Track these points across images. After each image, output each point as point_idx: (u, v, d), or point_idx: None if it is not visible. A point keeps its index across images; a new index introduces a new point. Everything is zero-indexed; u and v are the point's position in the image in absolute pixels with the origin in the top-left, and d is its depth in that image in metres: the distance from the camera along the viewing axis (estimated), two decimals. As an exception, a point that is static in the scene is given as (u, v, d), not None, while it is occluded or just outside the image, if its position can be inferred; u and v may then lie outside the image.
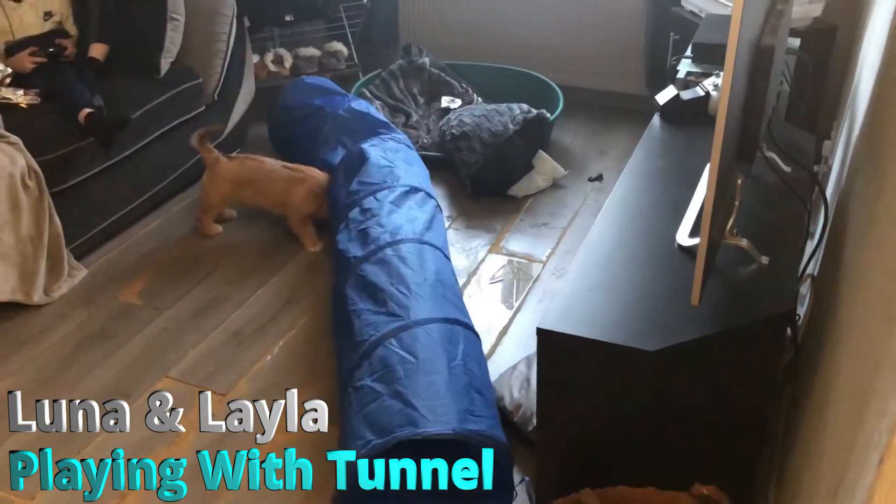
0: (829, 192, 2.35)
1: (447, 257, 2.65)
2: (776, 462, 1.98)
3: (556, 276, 2.87)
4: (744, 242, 1.73)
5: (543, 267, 2.95)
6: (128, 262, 2.99)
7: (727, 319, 1.60)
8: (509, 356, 2.48)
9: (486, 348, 2.53)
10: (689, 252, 1.80)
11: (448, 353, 2.07)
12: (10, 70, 2.91)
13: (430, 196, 2.90)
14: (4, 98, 2.82)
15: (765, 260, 1.73)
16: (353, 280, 2.42)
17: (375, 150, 2.99)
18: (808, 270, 2.24)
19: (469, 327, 2.26)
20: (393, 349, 2.07)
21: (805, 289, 2.24)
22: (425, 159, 3.52)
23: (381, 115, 3.34)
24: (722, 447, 1.69)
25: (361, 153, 2.96)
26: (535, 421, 2.13)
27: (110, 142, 2.84)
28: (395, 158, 2.98)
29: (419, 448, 1.73)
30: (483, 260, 2.99)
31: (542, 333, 1.63)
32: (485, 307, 2.75)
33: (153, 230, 3.18)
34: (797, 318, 2.07)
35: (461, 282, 2.87)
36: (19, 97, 2.84)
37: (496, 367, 2.39)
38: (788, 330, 1.90)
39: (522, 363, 2.35)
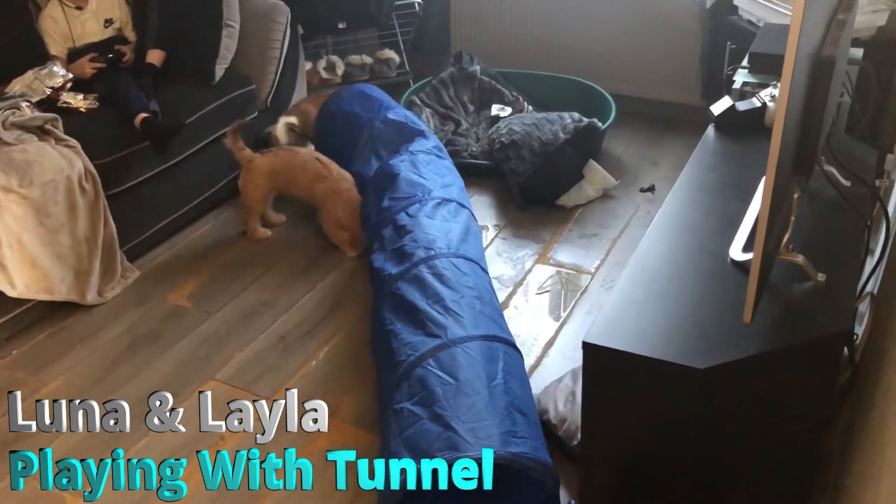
0: (891, 207, 2.27)
1: (484, 270, 2.58)
2: (829, 489, 1.90)
3: (605, 289, 2.83)
4: (799, 259, 1.68)
5: (592, 278, 2.90)
6: (178, 266, 3.04)
7: (781, 338, 1.54)
8: (555, 369, 2.45)
9: (531, 360, 2.50)
10: (743, 268, 1.75)
11: (488, 372, 2.02)
12: (71, 75, 2.99)
13: (462, 206, 2.83)
14: (65, 102, 2.90)
15: (821, 277, 1.67)
16: (389, 299, 2.39)
17: (405, 164, 2.93)
18: (868, 289, 2.16)
19: (509, 343, 2.21)
20: (431, 370, 2.02)
21: (864, 307, 2.16)
22: (474, 167, 3.53)
23: (418, 122, 3.28)
24: (773, 471, 1.64)
25: (391, 169, 2.91)
26: (579, 436, 2.09)
27: (164, 146, 2.89)
28: (425, 171, 2.92)
29: None
30: (530, 270, 2.96)
31: (587, 347, 1.60)
32: (531, 318, 2.72)
33: (204, 234, 3.22)
34: (855, 337, 2.00)
35: (507, 292, 2.84)
36: (79, 101, 2.91)
37: (541, 380, 2.36)
38: (845, 349, 1.83)
39: (568, 376, 2.31)
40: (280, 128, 3.35)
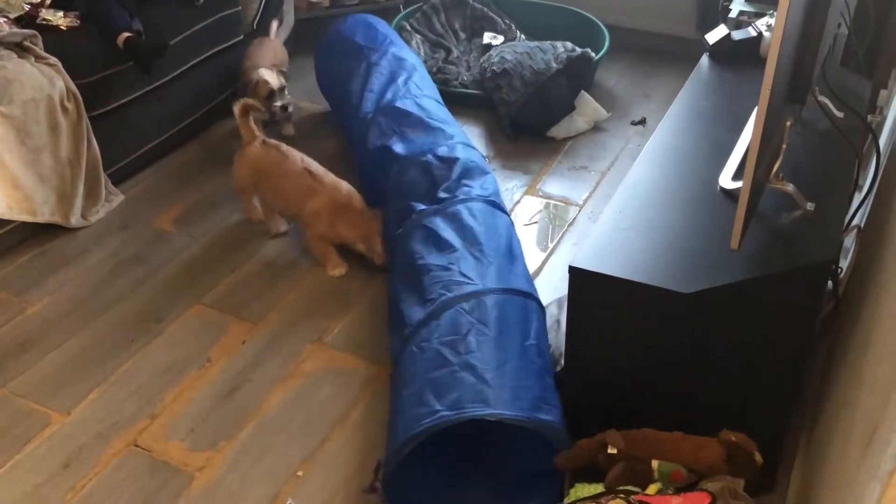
0: (882, 142, 2.25)
1: (513, 224, 2.47)
2: (808, 415, 1.94)
3: (593, 221, 2.82)
4: (789, 187, 1.67)
5: (580, 211, 2.89)
6: (164, 190, 3.00)
7: (767, 265, 1.55)
8: (541, 297, 2.45)
9: (517, 289, 2.51)
10: (732, 195, 1.75)
11: (522, 330, 1.94)
12: (50, -9, 2.89)
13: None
14: (44, 19, 2.81)
15: (810, 206, 1.66)
16: (420, 232, 2.28)
17: (419, 110, 2.80)
18: (854, 222, 2.16)
19: (540, 304, 2.13)
20: (465, 315, 1.93)
21: (850, 241, 2.17)
22: (464, 97, 3.47)
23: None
24: (753, 396, 1.66)
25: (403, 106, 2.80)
26: (562, 362, 2.11)
27: (148, 67, 2.83)
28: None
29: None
30: (519, 202, 2.95)
31: (574, 272, 1.60)
32: (518, 248, 2.71)
33: (189, 159, 3.18)
34: (839, 270, 2.01)
35: (495, 222, 2.83)
36: (59, 19, 2.82)
37: (527, 308, 2.36)
38: (830, 282, 1.84)
39: (553, 305, 2.32)
40: (266, 72, 3.03)
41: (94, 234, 2.78)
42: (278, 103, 3.04)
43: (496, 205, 2.44)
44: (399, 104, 2.82)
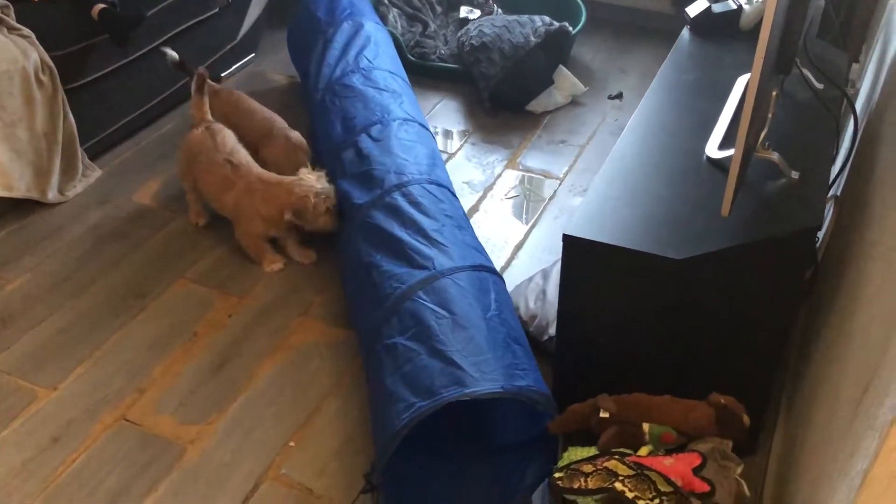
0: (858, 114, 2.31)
1: (454, 195, 2.43)
2: (788, 379, 2.00)
3: (573, 194, 2.85)
4: (775, 156, 1.71)
5: (560, 184, 2.92)
6: (142, 165, 2.97)
7: (755, 232, 1.58)
8: (525, 269, 2.49)
9: (501, 262, 2.54)
10: (719, 165, 1.78)
11: (482, 303, 1.92)
12: (21, -38, 2.82)
13: (425, 127, 2.69)
14: (16, -10, 2.75)
15: (795, 175, 1.71)
16: (362, 229, 2.24)
17: (359, 79, 2.78)
18: (831, 192, 2.21)
19: (496, 272, 2.12)
20: (423, 303, 1.90)
21: (827, 209, 2.22)
22: (443, 71, 3.47)
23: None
24: (740, 360, 1.70)
25: (349, 80, 2.77)
26: (550, 331, 2.15)
27: (124, 39, 2.78)
28: (382, 86, 2.77)
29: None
30: (500, 175, 2.97)
31: (567, 240, 1.62)
32: (501, 222, 2.74)
33: (167, 133, 3.14)
34: (816, 240, 2.07)
35: (477, 196, 2.85)
36: (31, -11, 2.76)
37: (512, 280, 2.39)
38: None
39: (538, 275, 2.36)
40: (314, 180, 2.42)
41: (72, 209, 2.74)
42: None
43: (433, 181, 2.35)
44: (345, 80, 2.78)
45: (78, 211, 2.74)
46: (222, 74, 3.43)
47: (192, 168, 2.53)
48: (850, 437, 1.12)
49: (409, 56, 3.45)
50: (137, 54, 2.92)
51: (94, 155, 2.91)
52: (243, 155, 2.50)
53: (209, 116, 2.58)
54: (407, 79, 2.99)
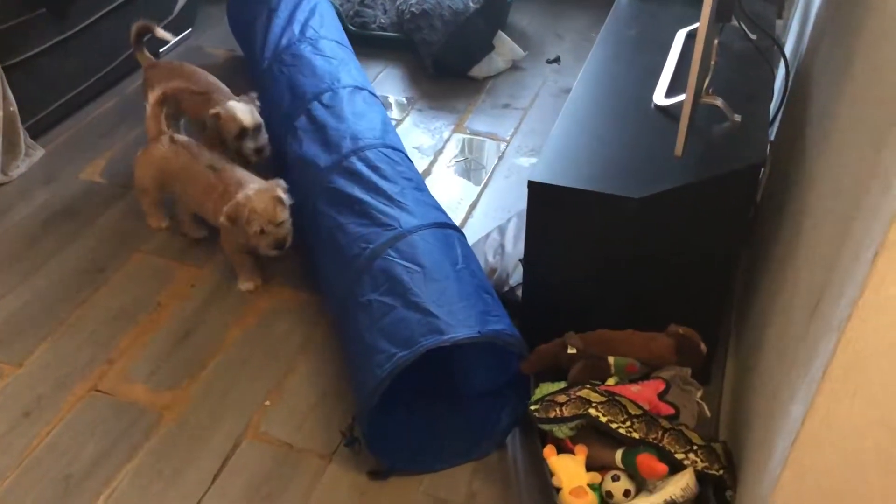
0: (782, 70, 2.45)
1: (409, 158, 2.46)
2: (735, 313, 2.13)
3: (521, 154, 2.94)
4: (719, 101, 1.82)
5: (508, 145, 3.00)
6: (86, 142, 2.93)
7: (705, 170, 1.69)
8: (480, 227, 2.56)
9: (457, 222, 2.59)
10: (666, 112, 1.88)
11: (449, 257, 1.98)
12: (-54, -64, 2.73)
13: (374, 95, 2.72)
14: (-57, -35, 2.66)
15: (737, 118, 1.82)
16: (325, 195, 2.24)
17: (308, 49, 2.80)
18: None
19: (458, 229, 2.17)
20: (393, 260, 1.94)
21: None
22: (383, 40, 3.51)
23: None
24: (693, 292, 1.82)
25: (298, 50, 2.79)
26: (510, 282, 2.23)
27: (63, 11, 2.72)
28: (330, 55, 2.80)
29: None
30: (448, 139, 3.03)
31: (532, 186, 1.70)
32: (453, 184, 2.80)
33: (110, 109, 3.10)
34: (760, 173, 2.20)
35: (428, 160, 2.91)
36: (-40, -36, 2.68)
37: (469, 238, 2.45)
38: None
39: (495, 231, 2.44)
40: (237, 107, 2.48)
41: (18, 189, 2.70)
42: (252, 145, 2.50)
43: (388, 145, 2.38)
44: (293, 49, 2.80)
45: (23, 191, 2.69)
46: (160, 50, 3.39)
47: (171, 184, 2.40)
48: (808, 342, 1.23)
49: (350, 26, 3.47)
50: (73, 31, 2.87)
51: (35, 134, 2.86)
52: (225, 161, 2.37)
53: (166, 128, 2.43)
54: (351, 48, 3.02)
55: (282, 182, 2.24)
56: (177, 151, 2.37)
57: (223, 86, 2.74)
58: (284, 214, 2.19)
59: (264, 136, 2.53)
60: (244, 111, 2.47)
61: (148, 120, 2.41)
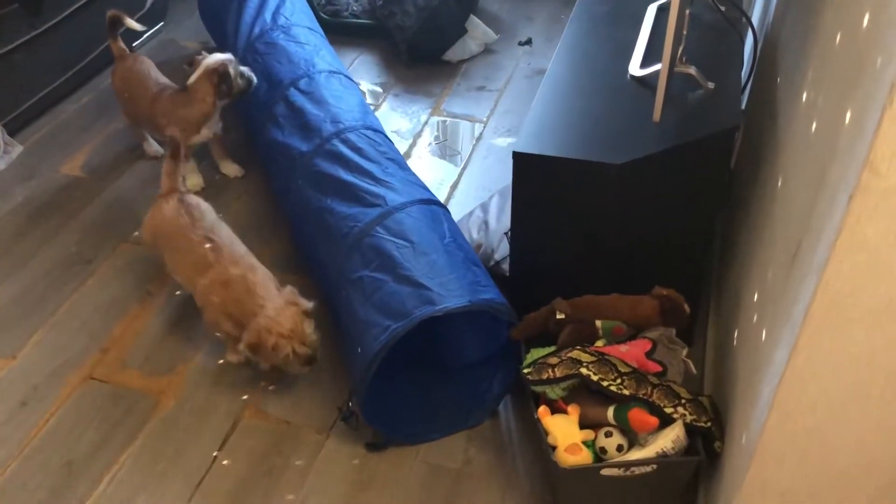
0: (749, 40, 2.52)
1: (390, 139, 2.47)
2: (714, 277, 2.20)
3: (498, 134, 2.99)
4: (692, 69, 1.88)
5: (485, 126, 3.05)
6: (65, 137, 2.92)
7: (682, 135, 1.74)
8: (462, 206, 2.60)
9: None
10: (642, 81, 1.94)
11: (437, 232, 2.02)
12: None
13: (350, 79, 2.74)
14: (-88, -37, 2.64)
15: (711, 85, 1.88)
16: (309, 178, 2.27)
17: (281, 37, 2.81)
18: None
19: (443, 206, 2.20)
20: (382, 237, 1.97)
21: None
22: (356, 27, 3.53)
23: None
24: (675, 255, 1.88)
25: (270, 38, 2.81)
26: (495, 257, 2.28)
27: (38, 7, 2.72)
28: (303, 42, 2.82)
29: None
30: (426, 122, 3.07)
31: (517, 156, 1.75)
32: (433, 165, 2.85)
33: (85, 105, 3.09)
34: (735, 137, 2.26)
35: (407, 143, 2.95)
36: (-71, -38, 2.66)
37: (453, 216, 2.50)
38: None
39: (478, 209, 2.48)
40: (211, 57, 2.52)
41: (-1, 186, 2.70)
42: (239, 80, 2.55)
43: (369, 126, 2.41)
44: (266, 38, 2.81)
45: (5, 187, 2.69)
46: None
47: (160, 245, 2.18)
48: (789, 290, 1.29)
49: (322, 14, 3.49)
50: (47, 26, 2.86)
51: (12, 131, 2.85)
52: (226, 234, 2.14)
53: (181, 186, 2.24)
54: (324, 34, 3.04)
55: (295, 290, 2.01)
56: (177, 213, 2.14)
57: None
58: (311, 327, 1.97)
59: (246, 69, 2.60)
60: (215, 57, 2.54)
61: (163, 173, 2.23)
